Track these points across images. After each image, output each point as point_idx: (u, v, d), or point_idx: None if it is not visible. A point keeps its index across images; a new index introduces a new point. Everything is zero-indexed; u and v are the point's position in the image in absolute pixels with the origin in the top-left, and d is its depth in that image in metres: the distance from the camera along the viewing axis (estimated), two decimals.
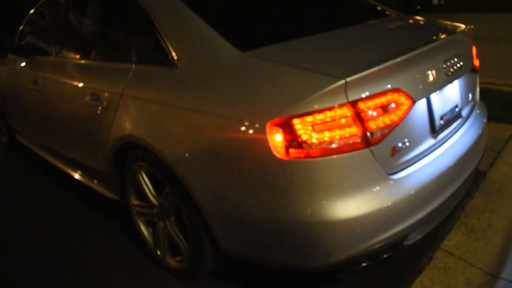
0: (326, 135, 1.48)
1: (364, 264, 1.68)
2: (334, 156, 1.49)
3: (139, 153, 2.09)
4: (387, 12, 2.59)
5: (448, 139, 1.94)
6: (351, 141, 1.50)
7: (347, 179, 1.53)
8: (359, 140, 1.51)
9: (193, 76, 1.84)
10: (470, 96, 2.19)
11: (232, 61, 1.77)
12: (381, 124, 1.54)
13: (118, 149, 2.22)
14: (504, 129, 3.61)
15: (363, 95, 1.50)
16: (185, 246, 2.07)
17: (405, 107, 1.61)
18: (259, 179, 1.60)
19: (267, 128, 1.50)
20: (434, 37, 1.92)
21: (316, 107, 1.46)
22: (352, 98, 1.48)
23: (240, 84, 1.69)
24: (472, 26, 2.17)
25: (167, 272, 2.27)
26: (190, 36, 1.95)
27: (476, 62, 2.24)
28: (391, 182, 1.61)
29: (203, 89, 1.78)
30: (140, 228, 2.37)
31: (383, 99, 1.54)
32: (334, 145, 1.49)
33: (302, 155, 1.49)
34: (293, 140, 1.49)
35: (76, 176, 2.94)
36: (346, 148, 1.50)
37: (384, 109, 1.55)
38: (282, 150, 1.50)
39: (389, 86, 1.56)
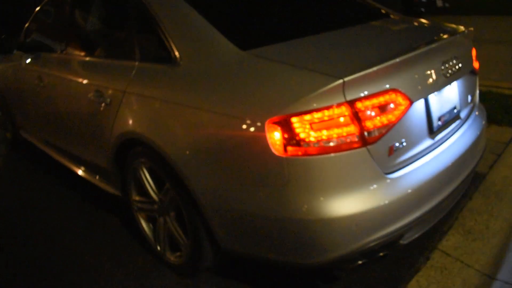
0: (324, 134, 1.50)
1: (360, 262, 1.70)
2: (332, 155, 1.52)
3: (141, 149, 2.12)
4: (388, 14, 2.61)
5: (446, 140, 1.96)
6: (348, 140, 1.53)
7: (344, 177, 1.55)
8: (356, 139, 1.53)
9: (195, 74, 1.87)
10: (469, 98, 2.21)
11: (233, 59, 1.79)
12: (378, 124, 1.56)
13: (120, 145, 2.25)
14: (505, 132, 3.61)
15: (361, 95, 1.52)
16: (185, 242, 2.10)
17: (402, 108, 1.63)
18: (258, 177, 1.63)
19: (266, 126, 1.53)
20: (433, 39, 1.94)
21: (314, 106, 1.48)
22: (349, 97, 1.50)
23: (240, 82, 1.71)
24: (472, 28, 2.19)
25: (166, 267, 2.30)
26: (193, 35, 1.98)
27: (476, 64, 2.25)
28: (388, 181, 1.63)
29: (204, 87, 1.81)
30: (141, 224, 2.40)
31: (381, 99, 1.56)
32: (331, 144, 1.51)
33: (300, 153, 1.51)
34: (291, 138, 1.51)
35: (79, 172, 2.98)
36: (343, 146, 1.52)
37: (382, 109, 1.57)
38: (281, 148, 1.53)
39: (386, 86, 1.58)
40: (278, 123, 1.52)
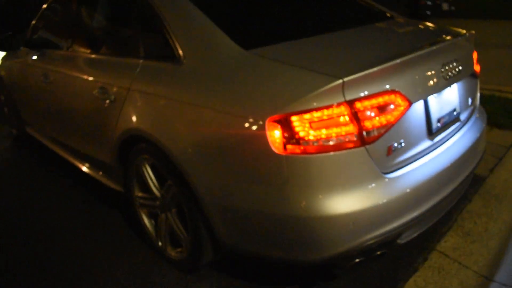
0: (323, 133, 1.53)
1: (358, 260, 1.72)
2: (330, 153, 1.54)
3: (144, 146, 2.15)
4: (391, 16, 2.63)
5: (445, 141, 1.98)
6: (347, 139, 1.55)
7: (342, 175, 1.58)
8: (355, 139, 1.56)
9: (198, 72, 1.90)
10: (470, 100, 2.22)
11: (236, 59, 1.82)
12: (377, 124, 1.59)
13: (124, 142, 2.28)
14: (507, 136, 3.62)
15: (360, 95, 1.55)
16: (186, 238, 2.12)
17: (401, 108, 1.65)
18: (258, 174, 1.65)
19: (266, 124, 1.56)
20: (434, 41, 1.96)
21: (314, 105, 1.51)
22: (349, 97, 1.52)
23: (242, 81, 1.74)
24: (473, 32, 2.21)
25: (167, 263, 2.32)
26: (197, 34, 2.01)
27: (477, 68, 2.27)
28: (386, 180, 1.65)
29: (207, 86, 1.83)
30: (143, 220, 2.42)
31: (380, 100, 1.59)
32: (330, 143, 1.54)
33: (299, 151, 1.54)
34: (291, 136, 1.54)
35: (83, 168, 3.01)
36: (342, 145, 1.55)
37: (381, 109, 1.59)
38: (280, 146, 1.55)
39: (386, 87, 1.61)
40: (278, 121, 1.54)
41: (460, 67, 1.99)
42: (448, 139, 2.00)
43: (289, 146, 1.55)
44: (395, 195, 1.65)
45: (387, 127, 1.62)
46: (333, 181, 1.57)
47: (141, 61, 2.22)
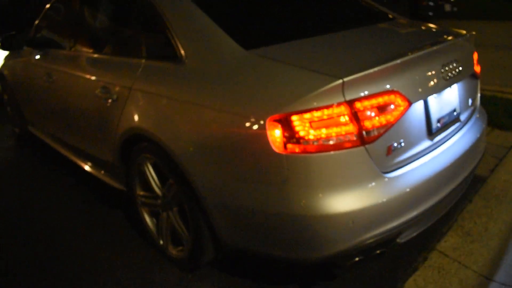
0: (323, 132, 1.54)
1: (357, 259, 1.73)
2: (330, 153, 1.56)
3: (146, 145, 2.17)
4: (392, 17, 2.65)
5: (445, 142, 1.99)
6: (347, 139, 1.56)
7: (342, 175, 1.59)
8: (354, 138, 1.57)
9: (199, 72, 1.92)
10: (470, 101, 2.23)
11: (237, 59, 1.84)
12: (377, 124, 1.60)
13: (126, 141, 2.30)
14: (508, 137, 3.63)
15: (360, 95, 1.56)
16: (187, 237, 2.14)
17: (401, 108, 1.66)
18: (258, 173, 1.67)
19: (267, 124, 1.57)
20: (434, 42, 1.97)
21: (314, 104, 1.52)
22: (349, 97, 1.54)
23: (243, 81, 1.76)
24: (473, 33, 2.21)
25: (169, 261, 2.34)
26: (198, 34, 2.03)
27: (477, 68, 2.27)
28: (386, 180, 1.66)
29: (208, 85, 1.85)
30: (145, 218, 2.44)
31: (380, 100, 1.60)
32: (330, 142, 1.55)
33: (299, 150, 1.55)
34: (291, 135, 1.55)
35: (85, 166, 3.03)
36: (342, 145, 1.56)
37: (380, 109, 1.61)
38: (281, 145, 1.57)
39: (385, 87, 1.62)
40: (278, 121, 1.56)
41: (460, 68, 2.00)
42: (448, 139, 2.01)
43: (289, 146, 1.56)
44: (395, 195, 1.66)
45: (387, 127, 1.63)
46: (333, 180, 1.58)
47: (143, 61, 2.24)
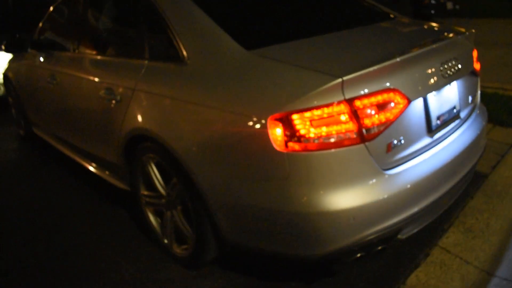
0: (323, 130, 1.56)
1: (359, 255, 1.76)
2: (331, 150, 1.58)
3: (149, 145, 2.20)
4: (392, 16, 2.66)
5: (445, 139, 2.00)
6: (347, 137, 1.59)
7: (343, 172, 1.61)
8: (354, 136, 1.59)
9: (201, 72, 1.94)
10: (470, 98, 2.25)
11: (238, 59, 1.86)
12: (376, 122, 1.62)
13: (130, 141, 2.32)
14: (510, 134, 3.64)
15: (359, 93, 1.58)
16: (191, 235, 2.17)
17: (400, 106, 1.68)
18: (260, 171, 1.69)
19: (268, 123, 1.59)
20: (433, 40, 1.99)
21: (314, 103, 1.55)
22: (348, 96, 1.56)
23: (244, 81, 1.78)
24: (473, 31, 2.23)
25: (173, 260, 2.36)
26: (200, 35, 2.05)
27: (477, 66, 2.29)
28: (386, 177, 1.68)
29: (210, 85, 1.87)
30: (149, 218, 2.47)
31: (379, 98, 1.62)
32: (331, 140, 1.58)
33: (300, 149, 1.58)
34: (292, 134, 1.58)
35: (90, 167, 3.07)
36: (342, 143, 1.58)
37: (380, 107, 1.63)
38: (282, 144, 1.59)
39: (385, 85, 1.64)
40: (279, 119, 1.58)
41: (460, 65, 2.02)
42: (448, 137, 2.02)
43: (290, 144, 1.58)
44: (395, 191, 1.68)
45: (387, 125, 1.65)
46: (334, 177, 1.60)
47: (146, 62, 2.27)
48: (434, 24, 2.44)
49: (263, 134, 1.61)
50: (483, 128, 2.29)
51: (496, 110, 4.03)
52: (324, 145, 1.57)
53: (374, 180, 1.65)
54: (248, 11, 2.28)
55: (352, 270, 2.17)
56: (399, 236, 1.82)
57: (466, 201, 2.66)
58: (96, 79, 2.63)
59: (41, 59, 3.50)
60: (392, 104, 1.66)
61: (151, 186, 2.35)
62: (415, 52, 1.79)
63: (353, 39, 2.11)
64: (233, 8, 2.27)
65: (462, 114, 2.16)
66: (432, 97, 1.88)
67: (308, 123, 1.56)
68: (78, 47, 3.04)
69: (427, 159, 1.85)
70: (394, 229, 1.73)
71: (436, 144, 1.94)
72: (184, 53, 2.02)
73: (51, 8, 3.61)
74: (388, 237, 1.76)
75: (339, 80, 1.52)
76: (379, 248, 1.78)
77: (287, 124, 1.57)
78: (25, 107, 4.19)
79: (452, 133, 2.06)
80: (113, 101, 2.39)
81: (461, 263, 2.16)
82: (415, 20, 2.71)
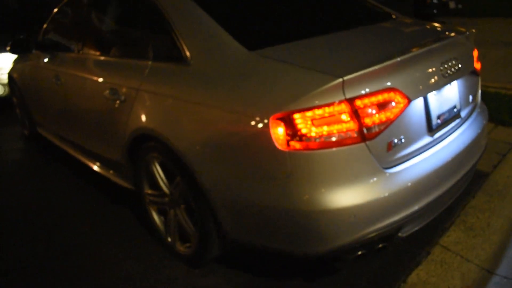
0: (324, 129, 1.59)
1: (359, 253, 1.78)
2: (332, 149, 1.60)
3: (153, 144, 2.22)
4: (394, 16, 2.68)
5: (446, 138, 2.02)
6: (348, 136, 1.61)
7: (344, 170, 1.63)
8: (355, 135, 1.62)
9: (204, 73, 1.97)
10: (471, 98, 2.26)
11: (241, 59, 1.89)
12: (377, 121, 1.64)
13: (134, 141, 2.35)
14: (511, 133, 3.65)
15: (360, 93, 1.60)
16: (194, 233, 2.19)
17: (401, 106, 1.70)
18: (262, 170, 1.72)
19: (270, 122, 1.62)
20: (433, 39, 2.01)
21: (315, 103, 1.57)
22: (349, 95, 1.58)
23: (247, 80, 1.81)
24: (473, 30, 2.25)
25: (176, 258, 2.39)
26: (203, 36, 2.08)
27: (477, 65, 2.31)
28: (386, 175, 1.70)
29: (213, 85, 1.90)
30: (152, 216, 2.49)
31: (379, 97, 1.64)
32: (332, 139, 1.60)
33: (301, 147, 1.60)
34: (293, 133, 1.60)
35: (94, 167, 3.10)
36: (343, 142, 1.61)
37: (380, 106, 1.65)
38: (284, 143, 1.61)
39: (385, 85, 1.66)
40: (281, 119, 1.61)
41: (460, 65, 2.03)
42: (448, 136, 2.04)
43: (292, 143, 1.61)
44: (396, 189, 1.70)
45: (387, 124, 1.67)
46: (335, 175, 1.63)
47: (149, 62, 2.29)
48: (434, 24, 2.46)
49: (265, 133, 1.63)
50: (483, 127, 2.30)
51: (498, 109, 4.05)
52: (325, 144, 1.59)
53: (374, 179, 1.67)
54: (250, 12, 2.31)
55: (353, 268, 2.19)
56: (399, 234, 1.84)
57: (467, 200, 2.68)
58: (100, 80, 2.66)
59: (46, 59, 3.53)
60: (393, 104, 1.68)
61: (154, 185, 2.38)
62: (415, 52, 1.81)
63: (354, 39, 2.13)
64: (235, 9, 2.29)
65: (463, 114, 2.18)
66: (432, 96, 1.90)
67: (309, 122, 1.58)
68: (82, 48, 3.07)
69: (427, 158, 1.87)
70: (395, 227, 1.75)
71: (437, 143, 1.96)
72: (187, 53, 2.05)
73: (56, 10, 3.64)
74: (389, 235, 1.78)
75: (340, 80, 1.55)
76: (380, 246, 1.80)
77: (289, 123, 1.60)
78: (29, 107, 4.23)
79: (453, 132, 2.08)
80: (117, 101, 2.42)
81: (461, 262, 2.18)
82: (416, 20, 2.73)
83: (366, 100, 1.62)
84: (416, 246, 2.30)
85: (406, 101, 1.72)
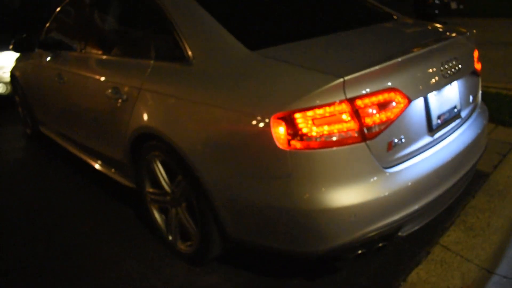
0: (325, 129, 1.60)
1: (359, 252, 1.79)
2: (333, 149, 1.61)
3: (155, 143, 2.23)
4: (395, 17, 2.69)
5: (446, 138, 2.03)
6: (348, 135, 1.62)
7: (344, 170, 1.64)
8: (355, 135, 1.63)
9: (206, 72, 1.98)
10: (471, 98, 2.27)
11: (242, 59, 1.90)
12: (377, 121, 1.65)
13: (136, 139, 2.36)
14: (511, 133, 3.65)
15: (361, 93, 1.61)
16: (195, 232, 2.20)
17: (401, 106, 1.71)
18: (263, 169, 1.73)
19: (271, 122, 1.63)
20: (433, 40, 2.02)
21: (316, 102, 1.58)
22: (350, 95, 1.59)
23: (248, 80, 1.82)
24: (474, 31, 2.25)
25: (177, 256, 2.40)
26: (205, 36, 2.09)
27: (478, 66, 2.31)
28: (387, 175, 1.71)
29: (215, 85, 1.91)
30: (154, 215, 2.51)
31: (380, 97, 1.65)
32: (332, 138, 1.61)
33: (302, 147, 1.61)
34: (294, 132, 1.61)
35: (96, 165, 3.11)
36: (343, 141, 1.62)
37: (381, 106, 1.66)
38: (285, 142, 1.63)
39: (385, 85, 1.67)
40: (282, 118, 1.62)
41: (460, 65, 2.04)
42: (448, 136, 2.05)
43: (293, 142, 1.62)
44: (396, 189, 1.71)
45: (387, 124, 1.68)
46: (335, 175, 1.64)
47: (152, 62, 2.30)
48: (435, 25, 2.47)
49: (267, 132, 1.64)
50: (484, 127, 2.31)
51: (499, 109, 4.05)
52: (326, 143, 1.61)
53: (375, 178, 1.68)
54: (252, 12, 2.32)
55: (353, 267, 2.20)
56: (399, 234, 1.85)
57: (468, 200, 2.69)
58: (103, 79, 2.67)
59: (48, 58, 3.54)
60: (393, 104, 1.69)
61: (156, 183, 2.39)
62: (416, 52, 1.82)
63: (355, 39, 2.14)
64: (237, 9, 2.31)
65: (463, 114, 2.19)
66: (432, 96, 1.91)
67: (310, 122, 1.59)
68: (84, 47, 3.08)
69: (427, 157, 1.88)
70: (395, 227, 1.76)
71: (437, 143, 1.96)
72: (190, 53, 2.06)
73: (58, 9, 3.65)
74: (389, 234, 1.79)
75: (341, 80, 1.56)
76: (380, 245, 1.81)
77: (290, 122, 1.61)
78: (31, 106, 4.24)
79: (453, 132, 2.09)
80: (120, 100, 2.43)
81: (461, 261, 2.18)
82: (417, 20, 2.73)
83: (367, 100, 1.63)
84: (416, 246, 2.31)
85: (406, 101, 1.73)
